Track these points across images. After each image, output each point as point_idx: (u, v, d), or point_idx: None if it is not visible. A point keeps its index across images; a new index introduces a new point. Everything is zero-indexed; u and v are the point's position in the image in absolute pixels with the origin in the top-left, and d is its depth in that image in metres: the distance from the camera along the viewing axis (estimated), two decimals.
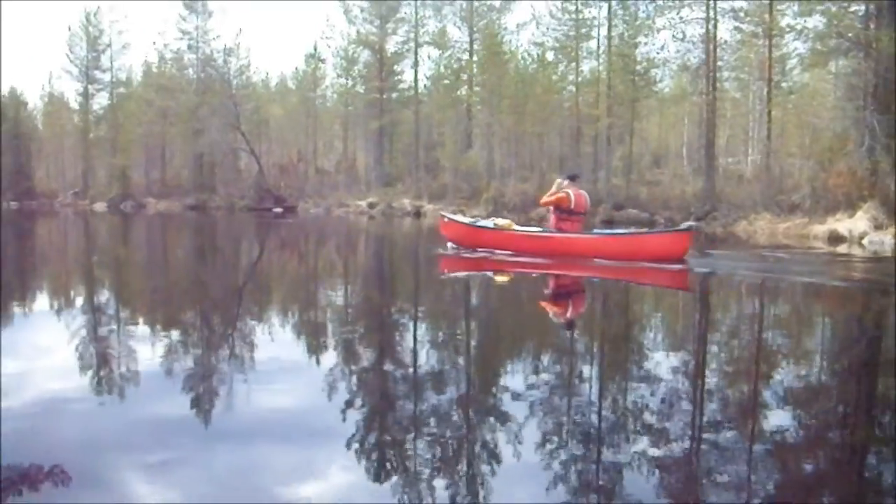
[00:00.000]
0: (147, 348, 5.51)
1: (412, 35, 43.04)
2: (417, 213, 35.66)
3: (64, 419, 3.87)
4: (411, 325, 7.01)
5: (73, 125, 63.38)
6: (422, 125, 43.32)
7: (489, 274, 11.52)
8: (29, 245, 20.01)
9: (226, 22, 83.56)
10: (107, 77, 58.47)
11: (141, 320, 7.25)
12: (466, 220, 15.23)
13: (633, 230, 15.80)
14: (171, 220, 34.47)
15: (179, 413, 3.96)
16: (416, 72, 43.00)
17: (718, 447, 3.51)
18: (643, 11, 31.25)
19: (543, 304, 8.78)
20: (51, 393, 4.32)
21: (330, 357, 5.47)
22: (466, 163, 36.59)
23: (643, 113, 33.36)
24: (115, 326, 6.69)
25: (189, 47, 51.47)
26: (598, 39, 33.11)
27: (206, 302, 8.77)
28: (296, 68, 68.69)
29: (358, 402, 4.28)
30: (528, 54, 38.30)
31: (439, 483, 3.06)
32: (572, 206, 12.28)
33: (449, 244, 14.01)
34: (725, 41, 29.99)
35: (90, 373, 4.88)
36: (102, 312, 7.66)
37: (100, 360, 5.26)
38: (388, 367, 5.22)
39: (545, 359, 5.59)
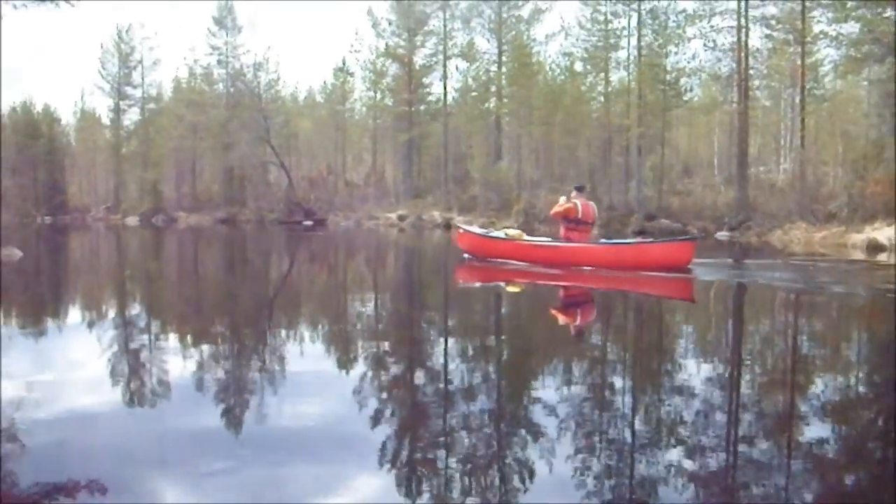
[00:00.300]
0: (179, 361, 5.57)
1: (441, 48, 43.16)
2: (448, 226, 35.63)
3: (96, 431, 3.91)
4: (440, 336, 7.01)
5: (105, 140, 64.32)
6: (450, 137, 43.36)
7: (501, 284, 11.72)
8: (64, 258, 20.44)
9: (255, 37, 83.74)
10: (138, 93, 59.38)
11: (173, 333, 7.28)
12: (479, 231, 15.62)
13: (639, 240, 16.05)
14: (203, 233, 34.76)
15: (210, 425, 3.98)
16: (444, 84, 43.19)
17: (754, 460, 3.46)
18: (673, 21, 31.16)
19: (556, 312, 8.85)
20: (83, 405, 4.38)
21: (360, 369, 5.48)
22: (496, 175, 36.55)
23: (673, 122, 33.12)
24: (147, 339, 6.78)
25: (219, 62, 52.09)
26: (628, 49, 32.98)
27: (237, 314, 8.81)
28: (324, 82, 69.30)
29: (387, 414, 4.26)
30: (557, 65, 38.35)
31: (471, 499, 3.06)
32: (579, 215, 12.57)
33: (465, 255, 14.47)
34: (757, 49, 29.82)
35: (123, 385, 4.96)
36: (136, 325, 7.77)
37: (132, 372, 5.32)
38: (417, 379, 5.21)
39: (575, 370, 5.54)
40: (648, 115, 32.08)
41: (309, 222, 41.70)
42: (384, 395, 4.73)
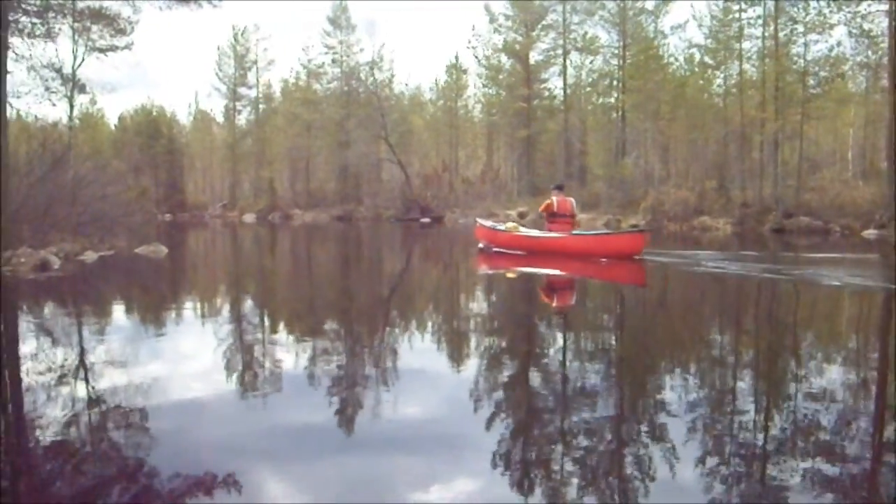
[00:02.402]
0: (291, 355, 5.81)
1: (560, 42, 42.49)
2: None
3: (208, 423, 4.10)
4: (558, 334, 7.01)
5: (222, 140, 66.21)
6: (570, 133, 42.66)
7: (500, 271, 13.50)
8: (200, 254, 21.46)
9: (370, 36, 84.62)
10: (252, 93, 60.89)
11: (293, 328, 7.54)
12: (489, 223, 18.03)
13: (601, 231, 17.89)
14: (320, 230, 35.24)
15: (317, 419, 4.10)
16: (564, 78, 42.45)
17: None
18: (814, 7, 29.56)
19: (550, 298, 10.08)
20: (197, 397, 4.62)
21: (472, 366, 5.48)
22: (621, 171, 35.67)
23: (812, 115, 31.46)
24: (261, 334, 7.10)
25: (333, 61, 52.83)
26: (763, 39, 31.46)
27: (360, 310, 9.06)
28: (435, 79, 69.57)
29: (499, 413, 4.22)
30: (685, 57, 37.15)
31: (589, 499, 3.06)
32: (556, 209, 15.09)
33: (480, 244, 16.94)
34: None
35: (240, 376, 5.19)
36: (257, 319, 8.22)
37: (249, 365, 5.56)
38: (531, 376, 5.23)
39: (694, 368, 5.52)
40: (786, 108, 30.62)
41: (426, 219, 41.72)
42: (496, 393, 4.72)
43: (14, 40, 17.80)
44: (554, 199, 15.27)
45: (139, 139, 62.71)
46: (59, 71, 19.60)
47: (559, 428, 4.03)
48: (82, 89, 24.25)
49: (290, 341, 6.69)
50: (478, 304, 9.54)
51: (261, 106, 61.07)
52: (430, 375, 5.26)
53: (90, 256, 15.54)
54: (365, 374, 5.26)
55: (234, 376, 5.22)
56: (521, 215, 38.26)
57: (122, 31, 16.73)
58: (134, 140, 61.05)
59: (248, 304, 9.76)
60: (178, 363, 5.72)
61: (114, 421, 4.11)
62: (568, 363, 5.54)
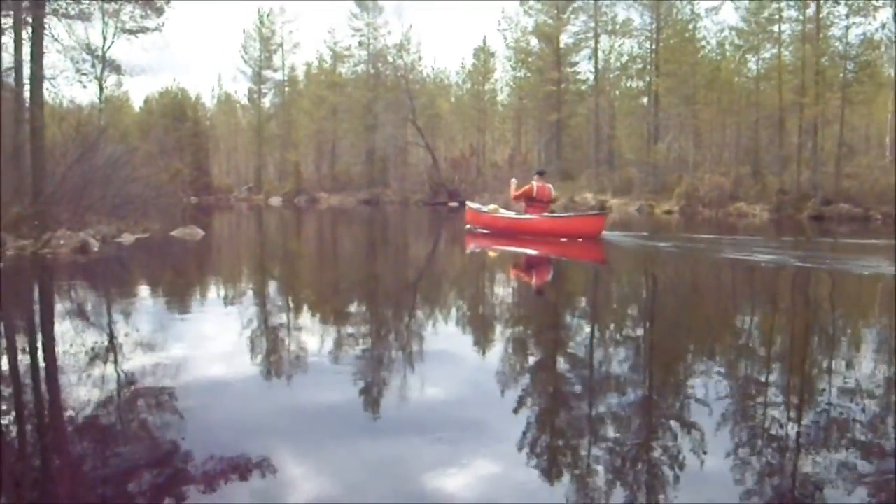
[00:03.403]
0: (317, 338, 5.87)
1: (591, 24, 41.78)
2: (602, 208, 34.54)
3: (232, 403, 4.14)
4: (584, 321, 7.08)
5: (248, 122, 66.05)
6: (599, 117, 42.04)
7: (486, 249, 14.67)
8: (233, 236, 21.59)
9: (397, 17, 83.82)
10: (278, 76, 60.61)
11: (327, 310, 7.57)
12: (475, 206, 18.87)
13: (567, 214, 18.83)
14: (349, 214, 35.04)
15: (339, 400, 4.14)
16: (595, 62, 41.74)
17: None
18: None
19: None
20: (221, 378, 4.67)
21: (496, 351, 5.53)
22: (655, 156, 35.08)
23: (855, 100, 30.71)
24: (295, 317, 7.11)
25: (360, 44, 52.42)
26: (803, 22, 30.68)
27: (384, 293, 9.15)
28: (461, 62, 69.02)
29: (522, 398, 4.19)
30: (717, 41, 36.42)
31: (617, 488, 2.99)
32: (535, 194, 16.04)
33: (467, 226, 18.20)
34: None
35: (260, 359, 5.21)
36: (294, 302, 8.27)
37: (270, 347, 5.60)
38: (556, 361, 5.26)
39: (723, 357, 5.52)
40: (826, 93, 29.91)
41: (454, 203, 41.33)
42: (521, 378, 4.74)
43: (49, 20, 17.56)
44: (534, 184, 16.24)
45: (164, 122, 62.63)
46: (93, 52, 19.47)
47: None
48: (117, 70, 24.04)
49: (321, 323, 6.79)
50: (482, 287, 9.88)
51: (286, 89, 60.79)
52: (447, 354, 5.41)
53: (127, 239, 15.39)
54: (391, 355, 5.34)
55: (280, 357, 5.31)
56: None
57: (158, 11, 16.39)
58: (159, 123, 60.92)
59: (287, 287, 9.83)
60: (220, 344, 5.74)
61: (145, 399, 4.18)
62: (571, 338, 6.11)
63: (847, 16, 28.78)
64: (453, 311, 7.54)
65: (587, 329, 6.61)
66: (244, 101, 66.64)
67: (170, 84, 67.09)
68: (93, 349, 5.43)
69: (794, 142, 31.57)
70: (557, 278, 11.00)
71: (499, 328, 6.53)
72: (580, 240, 15.01)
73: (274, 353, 5.40)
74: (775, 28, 32.20)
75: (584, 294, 9.37)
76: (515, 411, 3.90)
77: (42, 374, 4.86)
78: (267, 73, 60.36)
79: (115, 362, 5.07)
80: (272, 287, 9.91)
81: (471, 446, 3.37)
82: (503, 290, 9.49)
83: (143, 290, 9.27)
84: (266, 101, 62.17)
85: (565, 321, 7.08)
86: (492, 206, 18.23)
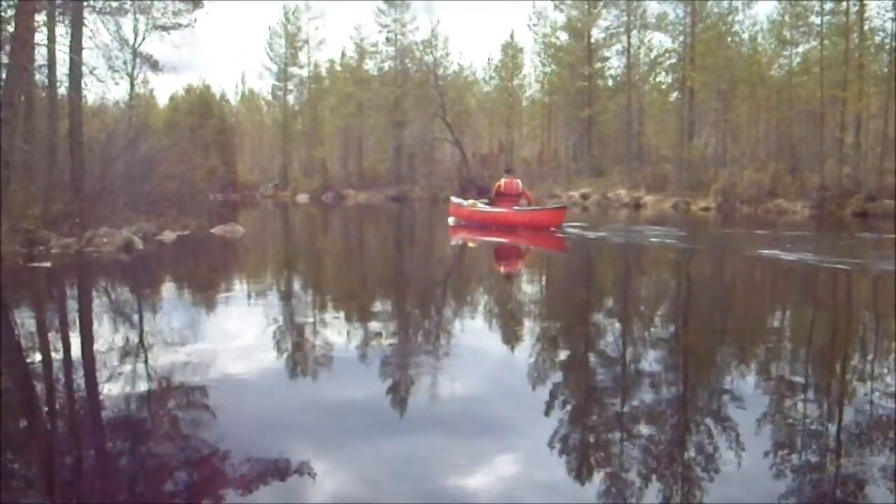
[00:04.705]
0: (343, 335, 6.04)
1: (623, 19, 41.15)
2: (637, 205, 34.04)
3: (254, 399, 4.23)
4: (614, 320, 7.26)
5: (273, 119, 65.91)
6: (632, 113, 41.44)
7: (466, 240, 16.69)
8: (270, 234, 21.66)
9: (427, 13, 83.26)
10: (304, 73, 60.39)
11: (352, 307, 7.82)
12: (457, 200, 21.07)
13: (531, 208, 18.96)
14: (379, 211, 34.84)
15: (364, 398, 4.22)
16: (628, 56, 41.08)
17: None
18: None
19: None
20: (246, 373, 4.78)
21: (524, 348, 5.64)
22: (692, 152, 34.44)
23: None
24: (315, 313, 7.34)
25: (388, 40, 52.04)
26: (847, 14, 29.92)
27: (419, 290, 9.40)
28: (488, 59, 68.61)
29: (553, 397, 4.28)
30: (750, 35, 35.69)
31: (652, 486, 3.00)
32: (503, 189, 18.32)
33: (450, 219, 20.16)
34: None
35: (286, 356, 5.37)
36: (313, 297, 8.73)
37: (296, 345, 5.76)
38: (590, 360, 5.41)
39: (762, 354, 5.63)
40: (870, 87, 29.18)
41: (485, 200, 40.89)
42: (548, 376, 4.82)
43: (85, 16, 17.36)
44: (503, 181, 18.60)
45: (191, 119, 62.64)
46: (133, 48, 19.20)
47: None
48: (154, 65, 23.80)
49: (345, 321, 6.95)
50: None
51: (312, 85, 60.54)
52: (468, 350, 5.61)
53: (168, 237, 15.19)
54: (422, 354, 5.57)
55: (318, 354, 5.45)
56: (584, 196, 37.37)
57: (197, 2, 16.10)
58: (186, 120, 60.93)
59: (335, 285, 10.13)
60: (270, 341, 5.88)
61: (176, 398, 4.25)
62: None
63: (894, 7, 27.98)
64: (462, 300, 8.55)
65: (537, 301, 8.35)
66: (269, 97, 66.52)
67: (195, 81, 67.18)
68: (167, 346, 5.55)
69: (833, 137, 30.76)
70: (529, 264, 13.22)
71: (472, 311, 7.55)
72: (553, 229, 16.85)
73: (339, 348, 5.57)
74: (816, 20, 31.40)
75: (549, 274, 11.61)
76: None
77: (111, 376, 4.76)
78: (293, 69, 60.15)
79: (186, 361, 5.12)
80: (327, 284, 10.17)
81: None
82: (487, 279, 10.92)
83: (206, 288, 9.12)
84: (291, 98, 62.00)
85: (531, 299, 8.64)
86: (470, 201, 20.40)
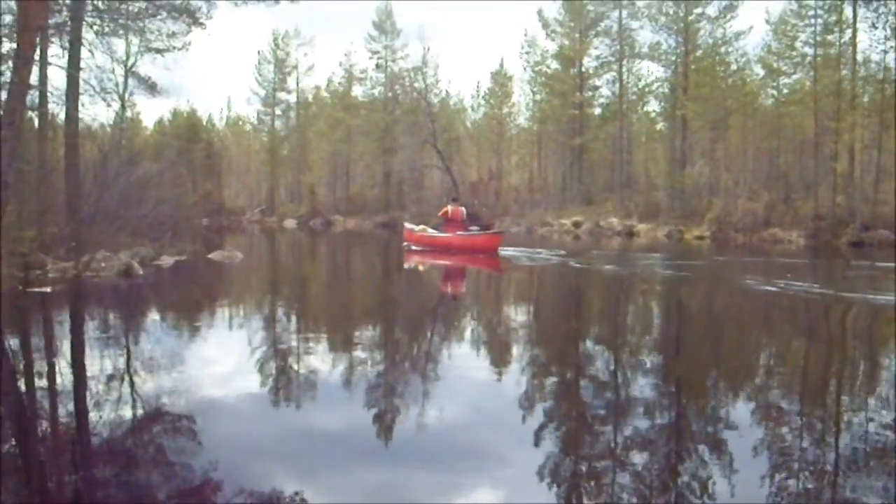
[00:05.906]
0: (327, 363, 5.99)
1: (615, 48, 41.29)
2: (630, 233, 33.90)
3: (234, 425, 4.21)
4: (605, 349, 7.15)
5: (261, 144, 65.58)
6: (617, 142, 41.46)
7: (415, 265, 17.58)
8: (266, 259, 20.97)
9: (419, 40, 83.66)
10: (292, 98, 60.22)
11: (346, 333, 7.82)
12: (409, 226, 22.76)
13: (471, 232, 20.00)
14: (368, 237, 34.48)
15: (345, 425, 4.28)
16: (620, 85, 41.15)
17: None
18: None
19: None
20: (230, 399, 4.78)
21: (512, 375, 5.63)
22: (685, 181, 34.43)
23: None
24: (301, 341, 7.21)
25: (377, 66, 52.03)
26: (839, 45, 30.09)
27: (409, 318, 9.34)
28: (477, 85, 68.81)
29: (545, 425, 4.28)
30: (739, 65, 35.81)
31: None
32: (449, 215, 19.85)
33: (404, 243, 21.47)
34: None
35: (271, 383, 5.34)
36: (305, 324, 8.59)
37: (280, 371, 5.71)
38: (581, 386, 5.40)
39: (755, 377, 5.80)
40: (863, 118, 29.32)
41: (474, 228, 40.65)
42: (537, 403, 4.82)
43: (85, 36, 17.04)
44: (449, 207, 20.12)
45: (178, 143, 62.17)
46: (126, 69, 18.88)
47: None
48: (152, 88, 23.39)
49: (330, 348, 6.90)
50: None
51: (300, 111, 60.38)
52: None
53: (166, 262, 14.78)
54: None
55: (266, 383, 5.37)
56: (576, 224, 37.18)
57: (198, 23, 15.83)
58: (173, 144, 60.46)
59: (343, 310, 10.15)
60: (270, 367, 5.88)
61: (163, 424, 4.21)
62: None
63: (885, 40, 28.20)
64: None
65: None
66: (257, 122, 66.25)
67: (181, 105, 66.74)
68: (176, 371, 5.51)
69: (827, 167, 30.84)
70: (474, 283, 14.62)
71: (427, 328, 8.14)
72: (498, 251, 18.46)
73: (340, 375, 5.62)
74: (806, 50, 31.60)
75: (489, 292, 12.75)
76: None
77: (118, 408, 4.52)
78: (281, 94, 60.00)
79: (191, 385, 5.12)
80: (339, 312, 9.94)
81: None
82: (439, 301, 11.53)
83: (219, 316, 8.78)
84: (279, 123, 61.76)
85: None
86: (420, 227, 21.87)
